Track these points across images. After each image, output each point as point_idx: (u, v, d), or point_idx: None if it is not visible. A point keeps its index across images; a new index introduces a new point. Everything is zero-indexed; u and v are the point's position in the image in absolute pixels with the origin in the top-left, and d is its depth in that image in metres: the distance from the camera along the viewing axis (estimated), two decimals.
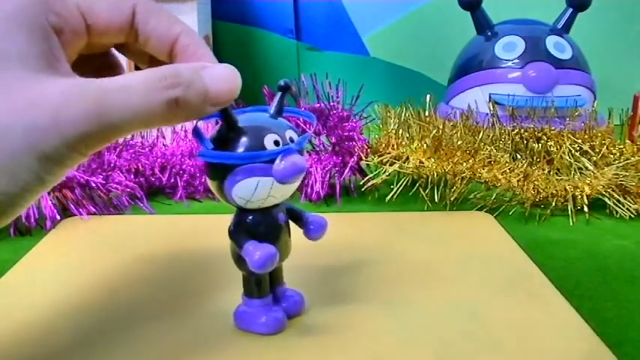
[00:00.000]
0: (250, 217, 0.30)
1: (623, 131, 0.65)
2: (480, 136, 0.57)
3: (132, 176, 0.53)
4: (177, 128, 0.62)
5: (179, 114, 0.24)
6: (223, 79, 0.26)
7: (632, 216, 0.50)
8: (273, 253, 0.28)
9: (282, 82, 0.30)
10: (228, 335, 0.31)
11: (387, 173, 0.51)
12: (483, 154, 0.54)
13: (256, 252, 0.28)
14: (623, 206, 0.50)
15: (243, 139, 0.28)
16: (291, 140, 0.29)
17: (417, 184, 0.52)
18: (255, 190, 0.28)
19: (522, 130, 0.59)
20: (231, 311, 0.32)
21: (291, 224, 0.32)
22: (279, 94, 0.30)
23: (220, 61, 0.27)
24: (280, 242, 0.30)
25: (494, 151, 0.55)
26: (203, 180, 0.54)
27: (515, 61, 0.70)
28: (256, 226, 0.30)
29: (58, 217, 0.46)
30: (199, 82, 0.25)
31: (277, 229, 0.30)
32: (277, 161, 0.27)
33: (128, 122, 0.23)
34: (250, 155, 0.27)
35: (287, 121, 0.30)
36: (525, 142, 0.58)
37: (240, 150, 0.28)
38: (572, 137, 0.57)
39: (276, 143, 0.28)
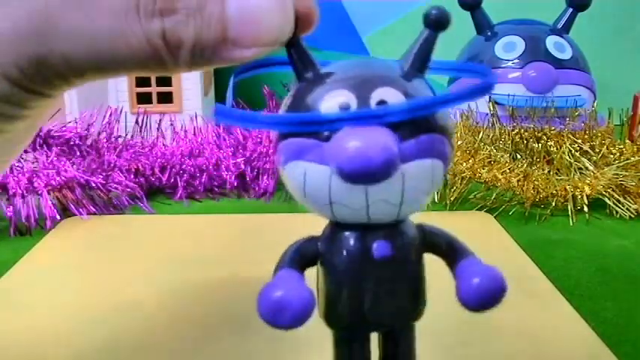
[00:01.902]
0: (323, 237, 0.20)
1: (623, 131, 0.65)
2: (480, 136, 0.57)
3: (132, 176, 0.53)
4: (177, 128, 0.62)
5: (176, 57, 0.17)
6: (262, 4, 0.17)
7: (632, 216, 0.50)
8: (286, 301, 0.17)
9: (433, 12, 0.18)
10: (228, 335, 0.31)
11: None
12: (483, 154, 0.54)
13: (265, 291, 0.18)
14: (623, 206, 0.50)
15: (300, 95, 0.18)
16: (381, 104, 0.17)
17: None
18: (304, 185, 0.18)
19: (522, 130, 0.59)
20: (230, 311, 0.32)
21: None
22: (425, 33, 0.19)
23: None
24: (362, 293, 0.19)
25: (494, 151, 0.55)
26: (203, 180, 0.54)
27: (515, 61, 0.70)
28: (323, 255, 0.19)
29: (58, 217, 0.46)
30: (215, 8, 0.17)
31: (361, 268, 0.19)
32: (335, 139, 0.17)
33: (83, 58, 0.17)
34: (270, 119, 0.18)
35: (421, 82, 0.19)
36: (525, 142, 0.58)
37: (295, 110, 0.18)
38: (572, 137, 0.57)
39: (345, 107, 0.17)
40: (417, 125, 0.17)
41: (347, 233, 0.19)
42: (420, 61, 0.19)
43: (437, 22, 0.18)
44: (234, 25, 0.17)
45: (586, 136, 0.58)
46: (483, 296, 0.20)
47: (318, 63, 0.19)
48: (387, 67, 0.19)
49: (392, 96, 0.17)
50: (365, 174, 0.16)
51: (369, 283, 0.19)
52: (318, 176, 0.17)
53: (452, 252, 0.20)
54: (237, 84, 0.19)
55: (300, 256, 0.20)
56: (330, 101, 0.17)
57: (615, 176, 0.51)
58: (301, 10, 0.19)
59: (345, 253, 0.19)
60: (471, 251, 0.20)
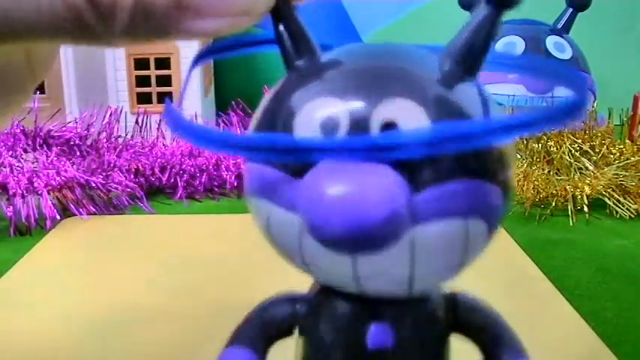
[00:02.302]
0: (305, 305, 0.15)
1: (623, 131, 0.65)
2: None
3: (132, 176, 0.53)
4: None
5: (109, 24, 0.12)
6: None
7: (632, 216, 0.50)
8: None
9: None
10: (228, 335, 0.31)
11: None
12: None
13: None
14: (623, 206, 0.50)
15: (276, 99, 0.13)
16: (388, 128, 0.11)
17: None
18: (267, 230, 0.13)
19: None
20: (230, 311, 0.32)
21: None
22: (483, 12, 0.13)
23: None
24: None
25: None
26: (203, 180, 0.54)
27: None
28: (303, 332, 0.14)
29: (58, 217, 0.46)
30: None
31: (347, 356, 0.14)
32: (307, 178, 0.11)
33: None
34: (221, 139, 0.11)
35: (470, 87, 0.13)
36: (525, 142, 0.58)
37: (265, 119, 0.13)
38: (572, 137, 0.57)
39: (329, 127, 0.12)
40: (444, 166, 0.11)
41: (336, 304, 0.13)
42: (472, 56, 0.13)
43: None
44: None
45: (586, 136, 0.58)
46: None
47: (318, 46, 0.14)
48: (415, 61, 0.13)
49: (407, 115, 0.11)
50: (351, 240, 0.10)
51: None
52: (285, 226, 0.12)
53: (494, 344, 0.14)
54: (231, 80, 0.15)
55: (266, 326, 0.15)
56: (308, 115, 0.12)
57: (615, 176, 0.51)
58: None
59: (332, 331, 0.13)
60: (522, 346, 0.14)
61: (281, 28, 0.13)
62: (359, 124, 0.11)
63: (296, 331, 0.15)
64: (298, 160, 0.11)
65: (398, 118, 0.11)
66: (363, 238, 0.10)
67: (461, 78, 0.12)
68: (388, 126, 0.11)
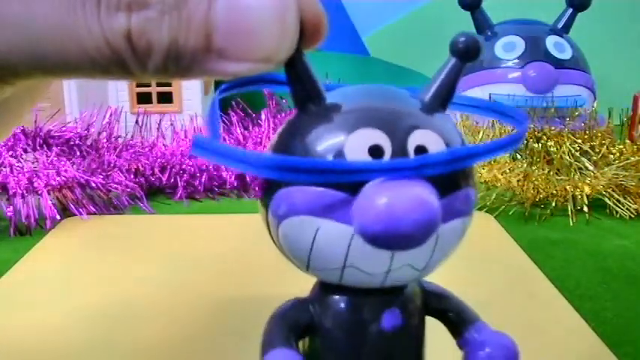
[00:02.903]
0: (319, 303, 0.17)
1: (623, 131, 0.65)
2: (480, 136, 0.57)
3: (132, 176, 0.53)
4: (177, 128, 0.62)
5: (144, 64, 0.14)
6: (259, 10, 0.13)
7: (632, 216, 0.50)
8: None
9: (461, 40, 0.15)
10: (228, 335, 0.31)
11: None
12: None
13: None
14: (623, 206, 0.50)
15: (305, 133, 0.15)
16: (421, 151, 0.15)
17: None
18: (312, 244, 0.15)
19: None
20: (230, 310, 0.32)
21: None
22: (450, 62, 0.16)
23: None
24: None
25: None
26: (203, 180, 0.54)
27: (515, 61, 0.69)
28: (322, 326, 0.16)
29: (58, 217, 0.46)
30: (198, 6, 0.13)
31: (369, 342, 0.16)
32: (362, 194, 0.14)
33: (18, 56, 0.14)
34: (275, 163, 0.14)
35: (446, 119, 0.16)
36: (525, 142, 0.58)
37: (298, 152, 0.15)
38: (572, 137, 0.57)
39: (376, 152, 0.14)
40: (457, 179, 0.15)
41: (353, 300, 0.16)
42: (445, 95, 0.16)
43: (465, 52, 0.15)
44: (222, 31, 0.13)
45: (586, 136, 0.58)
46: None
47: (324, 89, 0.16)
48: (407, 98, 0.16)
49: (432, 142, 0.15)
50: (408, 239, 0.14)
51: (378, 356, 0.16)
52: (336, 236, 0.14)
53: (457, 317, 0.18)
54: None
55: (294, 329, 0.16)
56: (357, 142, 0.14)
57: (615, 176, 0.51)
58: (308, 18, 0.15)
59: (352, 324, 0.16)
60: (477, 315, 0.18)
61: (292, 72, 0.15)
62: (401, 149, 0.14)
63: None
64: (358, 180, 0.14)
65: (426, 143, 0.15)
66: (415, 238, 0.14)
67: (439, 111, 0.16)
68: (420, 149, 0.15)
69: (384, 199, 0.13)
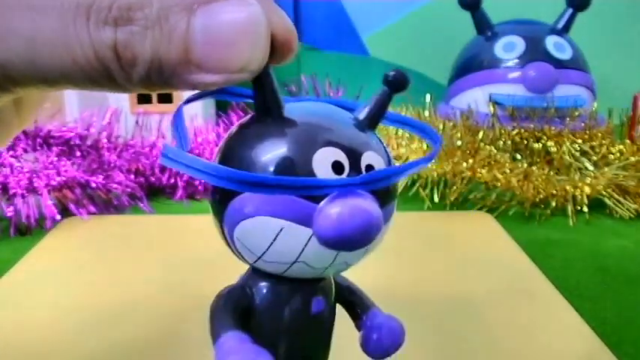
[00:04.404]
0: (257, 288, 0.19)
1: (623, 131, 0.65)
2: (480, 136, 0.57)
3: (132, 176, 0.53)
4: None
5: (129, 75, 0.15)
6: (234, 25, 0.15)
7: (632, 216, 0.50)
8: None
9: (391, 74, 0.18)
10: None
11: None
12: (483, 154, 0.54)
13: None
14: (623, 206, 0.50)
15: (276, 145, 0.17)
16: (369, 169, 0.17)
17: (417, 184, 0.52)
18: (273, 242, 0.17)
19: (522, 130, 0.59)
20: None
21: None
22: (382, 90, 0.18)
23: None
24: (299, 350, 0.19)
25: (494, 151, 0.55)
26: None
27: (515, 61, 0.69)
28: (260, 308, 0.19)
29: (58, 217, 0.46)
30: (178, 22, 0.15)
31: (300, 323, 0.19)
32: (324, 204, 0.16)
33: (19, 65, 0.15)
34: (256, 178, 0.16)
35: (377, 137, 0.19)
36: (525, 142, 0.58)
37: (261, 165, 0.16)
38: (572, 137, 0.57)
39: (338, 168, 0.17)
40: (390, 192, 0.18)
41: (287, 287, 0.18)
42: (375, 118, 0.19)
43: (394, 83, 0.18)
44: (199, 44, 0.15)
45: (586, 136, 0.58)
46: (384, 347, 0.20)
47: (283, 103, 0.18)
48: (347, 118, 0.19)
49: (376, 161, 0.18)
50: (355, 243, 0.16)
51: (306, 336, 0.19)
52: (296, 237, 0.16)
53: (358, 305, 0.21)
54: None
55: (237, 312, 0.19)
56: (322, 158, 0.16)
57: (615, 176, 0.51)
58: (279, 34, 0.16)
59: (288, 308, 0.19)
60: (373, 303, 0.21)
61: (258, 84, 0.17)
62: (356, 166, 0.17)
63: None
64: (322, 194, 0.16)
65: (372, 162, 0.17)
66: (360, 241, 0.16)
67: (370, 130, 0.19)
68: (369, 168, 0.17)
69: (337, 209, 0.16)
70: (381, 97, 0.18)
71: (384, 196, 0.17)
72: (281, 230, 0.16)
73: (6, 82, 0.16)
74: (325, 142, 0.17)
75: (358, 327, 0.21)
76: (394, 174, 0.17)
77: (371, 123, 0.19)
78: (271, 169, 0.16)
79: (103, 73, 0.15)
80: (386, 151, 0.19)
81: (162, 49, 0.15)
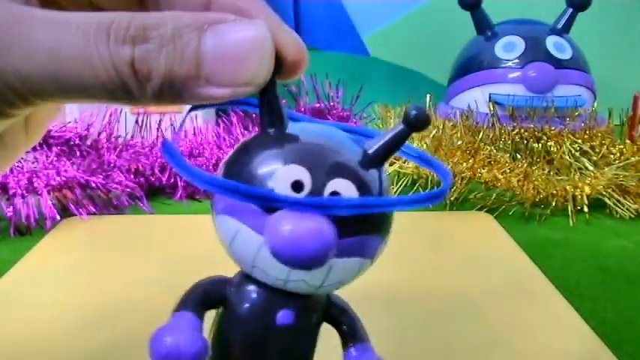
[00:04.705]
0: (235, 287, 0.19)
1: (623, 131, 0.65)
2: (480, 136, 0.57)
3: (132, 176, 0.53)
4: (177, 127, 0.62)
5: (144, 88, 0.16)
6: (241, 44, 0.16)
7: (632, 216, 0.50)
8: (178, 349, 0.18)
9: (413, 113, 0.17)
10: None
11: (387, 173, 0.52)
12: (483, 154, 0.54)
13: (159, 334, 0.19)
14: (623, 206, 0.50)
15: (255, 154, 0.18)
16: (334, 195, 0.17)
17: (417, 184, 0.52)
18: (231, 242, 0.18)
19: (522, 130, 0.59)
20: None
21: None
22: (400, 129, 0.18)
23: None
24: (258, 355, 0.19)
25: (494, 151, 0.56)
26: None
27: (515, 61, 0.70)
28: (229, 305, 0.19)
29: (58, 217, 0.46)
30: (190, 41, 0.16)
31: (262, 333, 0.19)
32: (276, 218, 0.16)
33: (41, 78, 0.16)
34: (212, 181, 0.17)
35: (380, 173, 0.18)
36: (525, 142, 0.58)
37: (236, 169, 0.18)
38: (572, 137, 0.57)
39: (297, 186, 0.17)
40: (360, 224, 0.17)
41: (257, 291, 0.19)
42: (385, 155, 0.18)
43: (415, 123, 0.17)
44: (209, 61, 0.16)
45: (586, 136, 0.58)
46: None
47: (288, 117, 0.18)
48: (349, 148, 0.18)
49: (346, 189, 0.17)
50: (299, 263, 0.17)
51: (267, 346, 0.19)
52: (249, 242, 0.17)
53: (349, 332, 0.20)
54: None
55: (206, 298, 0.20)
56: (284, 174, 0.17)
57: (615, 176, 0.51)
58: (291, 54, 0.18)
59: (250, 310, 0.19)
60: (367, 337, 0.20)
61: (264, 98, 0.18)
62: (318, 190, 0.17)
63: (220, 310, 0.20)
64: (276, 206, 0.16)
65: (340, 189, 0.17)
66: (306, 264, 0.17)
67: (374, 166, 0.18)
68: (334, 193, 0.17)
69: (288, 226, 0.16)
70: (398, 135, 0.18)
71: (348, 227, 0.17)
72: (237, 233, 0.17)
73: (28, 94, 0.16)
74: (294, 159, 0.17)
75: (344, 356, 0.20)
76: (347, 206, 0.17)
77: (378, 160, 0.18)
78: (242, 174, 0.17)
79: (121, 87, 0.16)
80: (378, 187, 0.18)
81: (175, 65, 0.16)
